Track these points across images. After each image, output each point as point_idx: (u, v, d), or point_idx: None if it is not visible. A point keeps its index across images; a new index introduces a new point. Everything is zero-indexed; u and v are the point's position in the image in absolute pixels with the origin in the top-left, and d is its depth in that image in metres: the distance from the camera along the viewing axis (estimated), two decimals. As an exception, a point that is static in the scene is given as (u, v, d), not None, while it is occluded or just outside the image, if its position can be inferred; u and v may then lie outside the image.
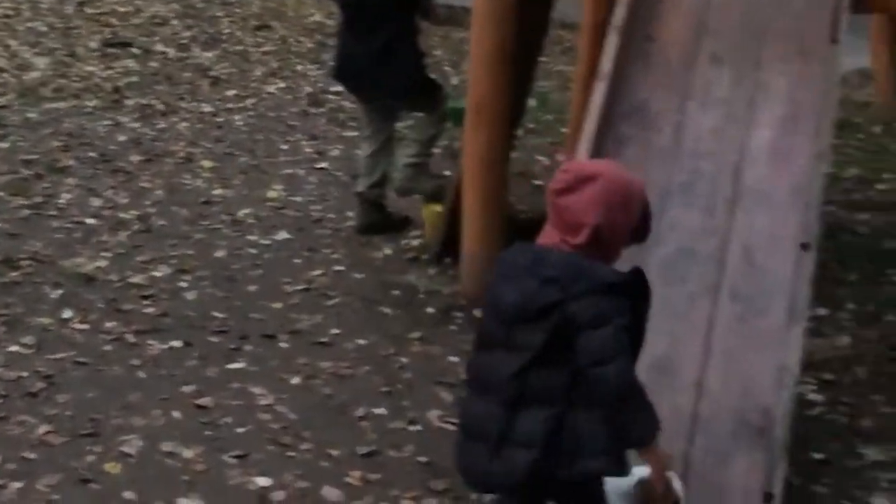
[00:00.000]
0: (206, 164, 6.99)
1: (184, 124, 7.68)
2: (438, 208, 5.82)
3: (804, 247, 3.97)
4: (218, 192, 6.58)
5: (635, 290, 2.97)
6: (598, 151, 4.28)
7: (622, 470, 2.94)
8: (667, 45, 4.55)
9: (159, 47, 9.49)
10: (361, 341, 4.92)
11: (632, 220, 3.00)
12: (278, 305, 5.22)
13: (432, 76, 6.27)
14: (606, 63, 4.41)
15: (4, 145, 7.17)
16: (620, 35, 4.47)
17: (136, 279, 5.43)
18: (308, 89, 8.55)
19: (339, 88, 8.67)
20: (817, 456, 4.18)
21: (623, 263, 4.03)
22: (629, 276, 2.97)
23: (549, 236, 2.99)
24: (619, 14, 4.51)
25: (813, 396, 4.60)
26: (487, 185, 5.21)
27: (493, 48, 5.08)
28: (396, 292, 5.42)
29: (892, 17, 8.73)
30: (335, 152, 7.30)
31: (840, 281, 5.75)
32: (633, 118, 4.39)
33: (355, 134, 7.63)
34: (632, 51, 4.53)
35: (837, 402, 4.58)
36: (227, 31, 10.12)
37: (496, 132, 5.17)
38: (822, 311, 5.37)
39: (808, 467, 4.09)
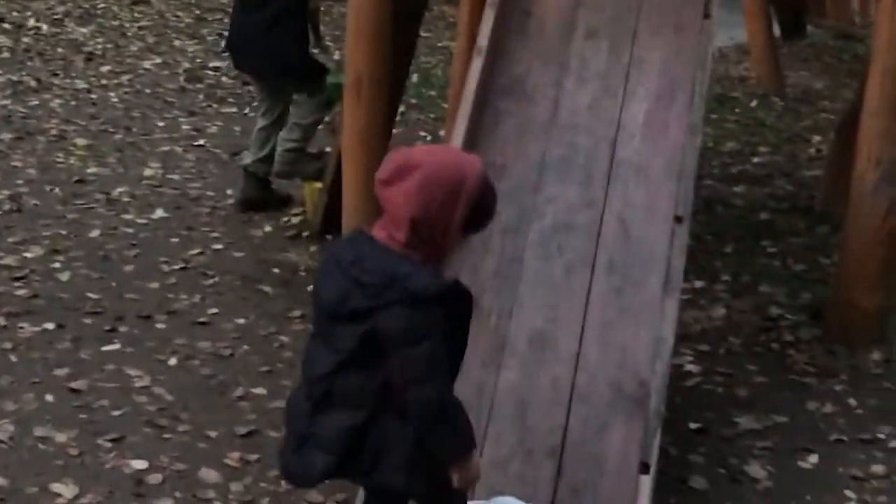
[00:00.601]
0: (81, 141, 6.83)
1: (57, 101, 7.50)
2: (318, 185, 5.77)
3: (678, 219, 4.01)
4: (92, 170, 6.43)
5: (453, 299, 2.78)
6: (475, 126, 4.27)
7: (422, 489, 2.81)
8: (544, 19, 4.56)
9: (31, 22, 9.24)
10: (241, 320, 4.86)
11: (457, 213, 2.74)
12: (155, 285, 5.13)
13: (317, 59, 6.20)
14: (483, 39, 4.39)
15: None
16: (497, 10, 4.46)
17: (8, 261, 5.29)
18: (186, 65, 8.40)
19: (218, 64, 8.56)
20: (693, 425, 4.24)
21: (501, 238, 4.05)
22: (446, 286, 2.76)
23: (380, 228, 2.83)
24: (495, -12, 4.49)
25: (690, 367, 4.67)
26: (368, 161, 5.15)
27: (372, 22, 5.02)
28: (276, 270, 5.37)
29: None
30: (213, 129, 7.19)
31: (716, 253, 5.85)
32: (511, 93, 4.39)
33: (234, 111, 7.53)
34: (509, 25, 4.52)
35: (713, 373, 4.65)
36: (102, 6, 9.91)
37: (376, 107, 5.12)
38: (698, 284, 5.45)
39: (685, 436, 4.15)
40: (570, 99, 4.36)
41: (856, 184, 4.75)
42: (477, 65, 4.33)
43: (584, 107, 4.34)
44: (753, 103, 8.92)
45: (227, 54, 6.26)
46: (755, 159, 7.60)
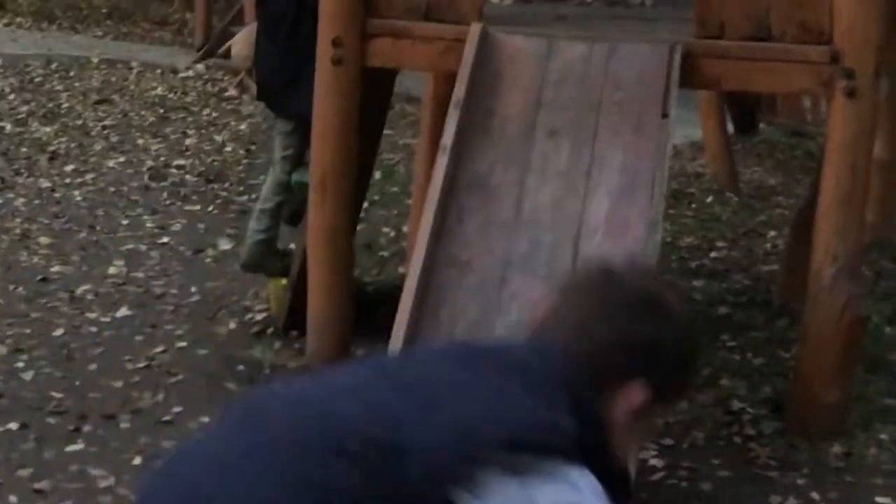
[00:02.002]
0: (44, 240, 6.84)
1: (21, 200, 7.52)
2: (283, 282, 5.80)
3: (641, 315, 4.07)
4: (56, 268, 6.44)
5: None
6: (440, 223, 4.34)
7: None
8: (506, 118, 4.66)
9: (-5, 122, 9.30)
10: (204, 419, 4.85)
11: None
12: (119, 384, 5.11)
13: None
14: (447, 137, 4.48)
15: None
16: (461, 109, 4.56)
17: (-30, 360, 5.27)
18: (150, 163, 8.46)
19: (182, 162, 8.63)
20: (659, 520, 4.26)
21: (467, 334, 4.09)
22: None
23: None
24: (459, 89, 4.59)
25: (654, 461, 4.70)
26: (333, 258, 5.21)
27: (337, 123, 5.11)
28: (241, 368, 5.37)
29: (719, 92, 9.09)
30: (177, 227, 7.22)
31: (678, 347, 5.90)
32: (475, 191, 4.47)
33: (198, 208, 7.57)
34: (473, 125, 4.62)
35: (677, 467, 4.68)
36: (66, 105, 9.97)
37: (341, 205, 5.19)
38: (661, 377, 5.49)
39: (651, 531, 4.17)
40: (534, 196, 4.44)
41: (813, 279, 4.84)
42: (442, 163, 4.42)
43: (548, 204, 4.43)
44: (709, 199, 9.06)
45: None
46: (713, 254, 7.71)
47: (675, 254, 7.68)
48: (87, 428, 4.71)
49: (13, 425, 4.69)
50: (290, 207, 5.97)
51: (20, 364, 5.27)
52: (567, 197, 4.43)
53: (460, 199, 4.43)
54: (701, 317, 6.38)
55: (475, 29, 4.75)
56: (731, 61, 4.80)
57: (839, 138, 4.76)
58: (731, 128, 10.53)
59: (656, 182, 4.40)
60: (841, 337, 4.78)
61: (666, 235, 8.11)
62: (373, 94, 5.59)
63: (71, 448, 4.55)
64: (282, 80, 5.72)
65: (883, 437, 4.94)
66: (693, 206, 8.87)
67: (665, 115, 4.59)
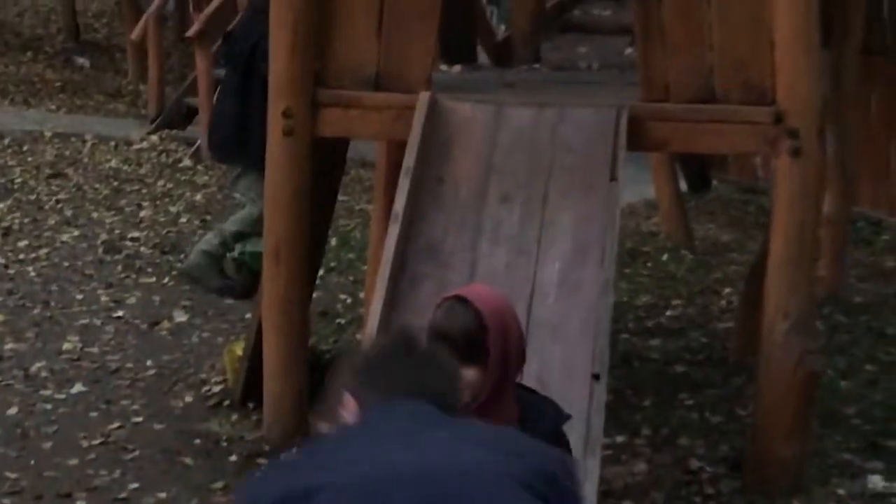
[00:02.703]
0: (-3, 317, 6.80)
1: (-27, 278, 7.47)
2: (239, 352, 5.78)
3: (595, 377, 4.10)
4: (9, 346, 6.38)
5: None
6: (393, 291, 4.35)
7: None
8: (458, 185, 4.69)
9: (-53, 199, 9.24)
10: (162, 494, 4.80)
11: None
12: (74, 462, 5.06)
13: None
14: (399, 205, 4.51)
15: None
16: (412, 176, 4.59)
17: (-78, 441, 5.20)
18: (104, 236, 8.42)
19: (136, 234, 8.60)
20: (621, 582, 4.25)
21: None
22: None
23: None
24: (409, 157, 4.63)
25: (615, 523, 4.70)
26: (288, 328, 5.20)
27: (290, 193, 5.13)
28: (198, 441, 5.33)
29: (668, 153, 9.20)
30: (132, 300, 7.18)
31: (635, 407, 5.92)
32: (428, 257, 4.49)
33: (153, 280, 7.54)
34: (425, 192, 4.65)
35: (638, 528, 4.68)
36: (19, 180, 9.92)
37: (295, 275, 5.19)
38: (619, 438, 5.50)
39: None
40: (486, 261, 4.47)
41: (766, 335, 4.88)
42: (393, 231, 4.44)
43: (500, 269, 4.45)
44: (664, 257, 9.12)
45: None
46: (668, 312, 7.75)
47: (631, 312, 7.72)
48: (42, 508, 4.66)
49: (-34, 507, 4.62)
50: (245, 279, 6.05)
51: (-27, 444, 5.20)
52: (519, 260, 4.46)
53: (413, 266, 4.45)
54: (659, 376, 6.41)
55: (423, 97, 4.80)
56: (677, 123, 4.87)
57: (786, 197, 4.83)
58: (684, 186, 10.65)
59: (607, 243, 4.44)
60: (795, 393, 4.82)
61: (622, 294, 8.17)
62: (326, 162, 5.63)
63: (25, 528, 4.49)
64: (234, 132, 6.12)
65: (841, 492, 4.96)
66: (649, 264, 8.93)
67: (614, 178, 4.64)
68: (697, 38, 4.85)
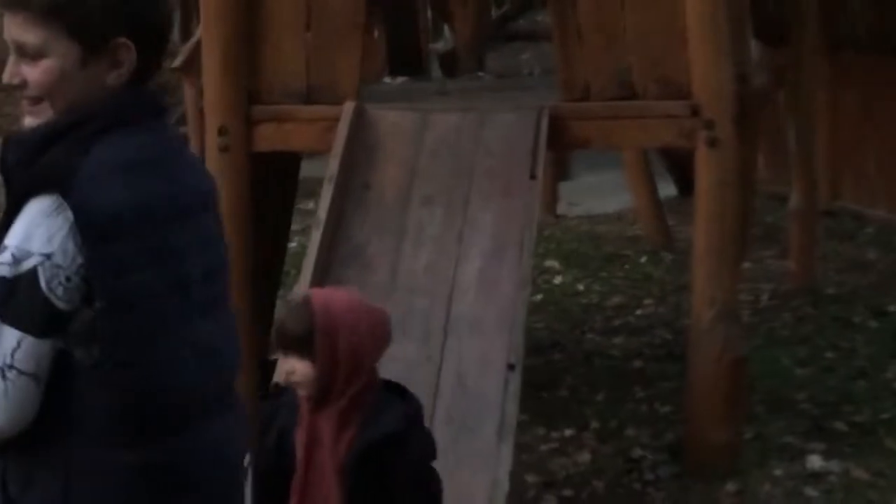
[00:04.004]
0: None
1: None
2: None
3: (511, 367, 4.23)
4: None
5: None
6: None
7: None
8: (382, 190, 4.84)
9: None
10: None
11: None
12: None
13: None
14: (322, 211, 4.67)
15: None
16: (335, 184, 4.74)
17: None
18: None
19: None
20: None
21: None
22: None
23: None
24: (333, 165, 4.79)
25: (552, 513, 4.82)
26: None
27: (230, 210, 5.25)
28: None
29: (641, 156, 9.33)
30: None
31: (588, 402, 6.04)
32: (352, 261, 4.64)
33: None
34: (349, 198, 4.80)
35: (575, 516, 4.80)
36: None
37: (239, 288, 5.31)
38: (568, 432, 5.63)
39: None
40: (408, 263, 4.62)
41: (693, 323, 5.00)
42: (316, 236, 4.60)
43: (421, 269, 4.60)
44: (643, 259, 9.23)
45: None
46: (638, 311, 7.86)
47: (600, 313, 7.84)
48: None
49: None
50: None
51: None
52: (440, 260, 4.60)
53: (338, 271, 4.60)
54: (615, 371, 6.52)
55: (348, 107, 4.96)
56: (598, 121, 5.01)
57: (705, 186, 4.95)
58: (674, 190, 10.74)
59: (525, 241, 4.58)
60: (723, 378, 4.93)
61: (593, 296, 8.30)
62: (274, 178, 5.80)
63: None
64: None
65: (777, 472, 5.06)
66: (626, 266, 9.04)
67: (533, 177, 4.78)
68: (613, 38, 4.99)
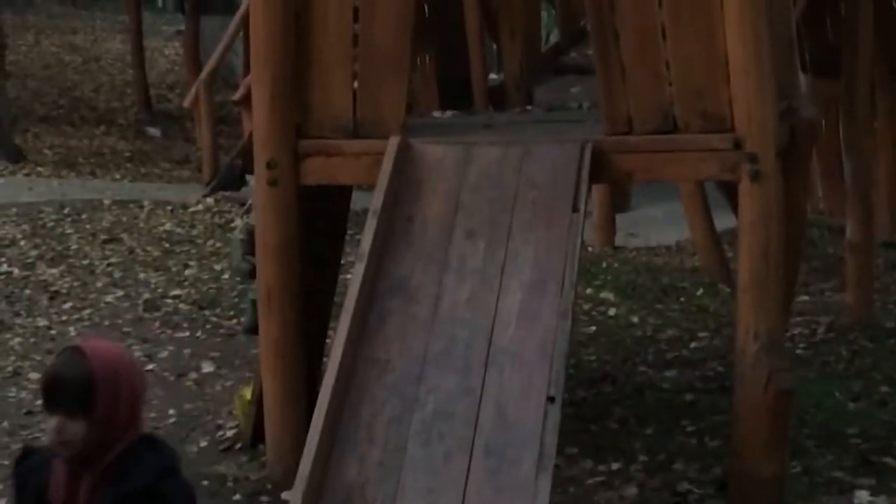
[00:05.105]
0: (34, 376, 7.12)
1: (17, 340, 7.83)
2: (248, 396, 6.02)
3: (551, 399, 4.25)
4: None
5: None
6: (360, 326, 4.55)
7: None
8: (426, 223, 4.90)
9: (4, 267, 9.67)
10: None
11: None
12: None
13: None
14: (365, 244, 4.73)
15: None
16: (378, 218, 4.80)
17: (-51, 492, 5.51)
18: (147, 296, 8.77)
19: (178, 292, 8.94)
20: None
21: (385, 429, 4.27)
22: None
23: None
24: (377, 199, 4.85)
25: (594, 546, 4.81)
26: (283, 370, 5.43)
27: (278, 240, 5.38)
28: (206, 483, 5.56)
29: (696, 186, 9.30)
30: (164, 354, 7.48)
31: (636, 435, 6.02)
32: (396, 293, 4.69)
33: (187, 334, 7.85)
34: (394, 231, 4.86)
35: (618, 550, 4.79)
36: (74, 246, 10.35)
37: (288, 318, 5.42)
38: (615, 465, 5.62)
39: None
40: (451, 294, 4.66)
41: (738, 357, 4.98)
42: (359, 269, 4.65)
43: (463, 301, 4.63)
44: (699, 292, 9.19)
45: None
46: (693, 344, 7.83)
47: (653, 346, 7.81)
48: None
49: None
50: (250, 320, 6.33)
51: (4, 500, 5.49)
52: (482, 292, 4.64)
53: (381, 303, 4.65)
54: (664, 405, 6.50)
55: (393, 142, 5.03)
56: (640, 154, 5.03)
57: (748, 220, 4.94)
58: (734, 220, 10.67)
59: (566, 273, 4.60)
60: (768, 411, 4.90)
61: (647, 329, 8.27)
62: (326, 211, 5.88)
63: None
64: None
65: (823, 508, 5.02)
66: (682, 299, 9.01)
67: (576, 210, 4.80)
68: (656, 73, 5.01)
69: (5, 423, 6.41)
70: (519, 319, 4.54)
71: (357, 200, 6.69)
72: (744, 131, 4.91)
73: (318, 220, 5.77)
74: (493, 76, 7.92)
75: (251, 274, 7.35)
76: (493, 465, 4.13)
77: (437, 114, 6.33)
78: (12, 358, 7.47)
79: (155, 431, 6.19)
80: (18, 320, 8.25)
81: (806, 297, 8.78)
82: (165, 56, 21.62)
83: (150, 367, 7.26)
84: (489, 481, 4.09)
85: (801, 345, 7.64)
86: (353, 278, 4.65)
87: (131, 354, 2.94)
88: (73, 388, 2.61)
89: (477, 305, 4.60)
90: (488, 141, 5.24)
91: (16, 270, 9.58)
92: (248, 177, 11.76)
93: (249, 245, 7.34)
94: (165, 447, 2.77)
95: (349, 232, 6.76)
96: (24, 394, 6.85)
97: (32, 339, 7.85)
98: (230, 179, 12.19)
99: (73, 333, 7.95)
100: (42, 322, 8.20)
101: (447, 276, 4.72)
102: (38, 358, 7.47)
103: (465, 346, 4.49)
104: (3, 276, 9.41)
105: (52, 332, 8.01)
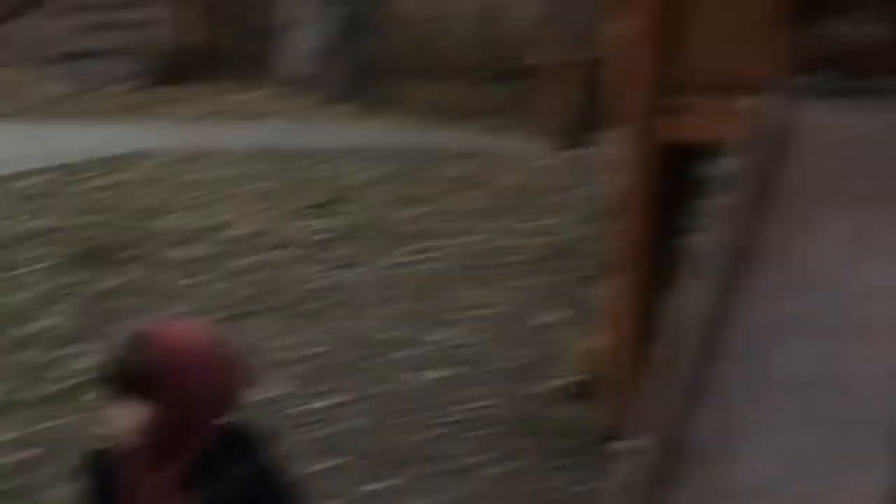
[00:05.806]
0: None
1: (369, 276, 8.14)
2: (588, 345, 6.04)
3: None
4: (387, 335, 6.97)
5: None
6: (722, 286, 4.44)
7: None
8: (792, 188, 4.70)
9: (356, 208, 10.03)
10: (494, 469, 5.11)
11: None
12: (423, 436, 5.52)
13: None
14: (725, 206, 4.59)
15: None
16: (742, 180, 4.65)
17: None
18: (497, 242, 8.89)
19: (517, 242, 9.01)
20: None
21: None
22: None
23: None
24: (736, 161, 4.69)
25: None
26: (629, 322, 5.39)
27: (637, 197, 5.31)
28: (546, 428, 5.65)
29: None
30: (505, 299, 7.56)
31: None
32: (757, 262, 4.54)
33: (533, 281, 7.92)
34: (755, 196, 4.70)
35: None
36: (428, 192, 10.62)
37: (637, 273, 5.39)
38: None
39: None
40: (813, 260, 4.47)
41: None
42: (713, 236, 4.53)
43: (830, 269, 4.44)
44: None
45: None
46: None
47: None
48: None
49: None
50: None
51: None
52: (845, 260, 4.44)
53: (743, 266, 4.50)
54: None
55: (760, 101, 4.86)
56: None
57: None
58: None
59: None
60: None
61: None
62: (685, 170, 5.78)
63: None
64: None
65: None
66: None
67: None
68: None
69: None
70: (886, 292, 4.30)
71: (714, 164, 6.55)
72: None
73: (678, 180, 5.68)
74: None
75: None
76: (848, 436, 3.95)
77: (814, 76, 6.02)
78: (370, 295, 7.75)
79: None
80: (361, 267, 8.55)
81: None
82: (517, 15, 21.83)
83: (488, 311, 7.37)
84: (844, 454, 3.92)
85: None
86: (704, 245, 4.55)
87: (219, 337, 2.56)
88: (133, 374, 2.45)
89: (842, 277, 4.40)
90: (872, 106, 4.97)
91: (370, 213, 9.94)
92: (597, 134, 11.77)
93: None
94: (259, 439, 2.53)
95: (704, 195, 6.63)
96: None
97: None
98: (580, 135, 12.19)
99: (426, 273, 8.18)
100: (385, 263, 8.47)
101: (811, 242, 4.53)
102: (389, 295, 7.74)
103: (828, 313, 4.31)
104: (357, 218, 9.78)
105: (401, 271, 8.28)
